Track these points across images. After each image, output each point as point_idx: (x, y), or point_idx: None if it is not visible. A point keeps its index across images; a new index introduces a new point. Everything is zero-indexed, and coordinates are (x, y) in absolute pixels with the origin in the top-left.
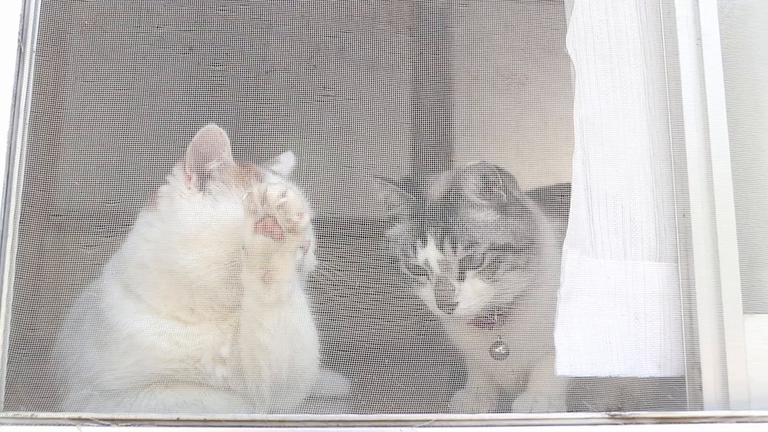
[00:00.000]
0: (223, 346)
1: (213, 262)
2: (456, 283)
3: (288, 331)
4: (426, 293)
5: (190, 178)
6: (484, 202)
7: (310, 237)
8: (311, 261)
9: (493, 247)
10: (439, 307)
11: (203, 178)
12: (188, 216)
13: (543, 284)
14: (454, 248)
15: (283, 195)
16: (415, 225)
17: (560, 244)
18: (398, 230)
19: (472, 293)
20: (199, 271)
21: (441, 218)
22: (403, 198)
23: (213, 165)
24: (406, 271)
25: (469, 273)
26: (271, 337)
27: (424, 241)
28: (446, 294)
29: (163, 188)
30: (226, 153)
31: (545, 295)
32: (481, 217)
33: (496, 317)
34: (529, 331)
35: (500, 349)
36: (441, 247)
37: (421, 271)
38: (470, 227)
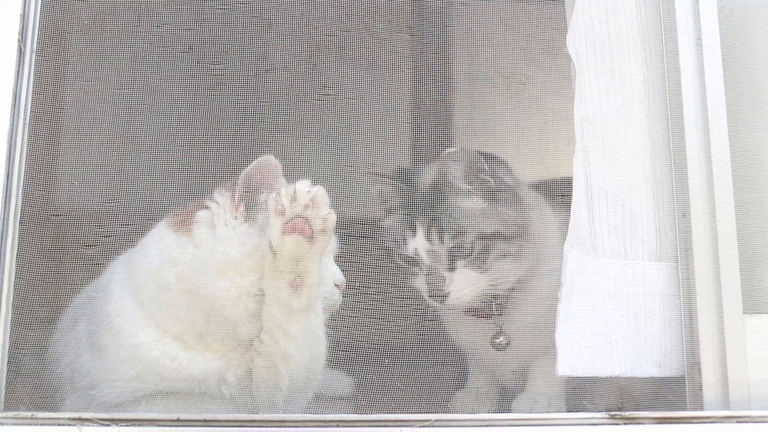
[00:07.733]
0: (229, 371)
1: (244, 293)
2: (447, 273)
3: (310, 337)
4: (419, 283)
5: (237, 208)
6: (470, 188)
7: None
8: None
9: (481, 236)
10: (431, 297)
11: (250, 208)
12: (233, 245)
13: (544, 273)
14: (441, 238)
15: (312, 188)
16: (405, 215)
17: (564, 234)
18: (391, 221)
19: (464, 283)
20: (226, 300)
21: (429, 207)
22: (395, 188)
23: (264, 197)
24: (399, 261)
25: (459, 263)
26: (296, 345)
27: (414, 231)
28: (437, 284)
29: (202, 213)
30: (278, 185)
31: (546, 285)
32: (468, 204)
33: (494, 307)
34: (530, 321)
35: (501, 339)
36: (429, 237)
37: (413, 261)
38: (457, 216)
